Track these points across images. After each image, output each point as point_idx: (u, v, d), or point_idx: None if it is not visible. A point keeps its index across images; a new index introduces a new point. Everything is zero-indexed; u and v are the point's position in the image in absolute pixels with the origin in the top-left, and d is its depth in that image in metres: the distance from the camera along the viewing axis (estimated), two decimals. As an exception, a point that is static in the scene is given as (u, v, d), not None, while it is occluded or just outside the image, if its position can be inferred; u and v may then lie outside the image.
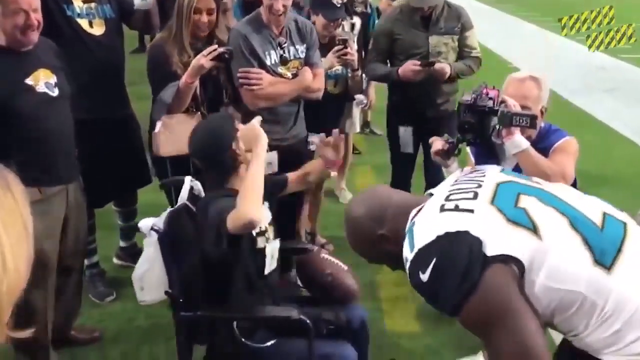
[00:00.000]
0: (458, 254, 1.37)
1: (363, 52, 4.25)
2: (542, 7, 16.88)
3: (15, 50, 2.44)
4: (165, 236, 2.18)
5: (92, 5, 3.10)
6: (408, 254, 1.48)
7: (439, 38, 3.53)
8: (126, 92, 3.40)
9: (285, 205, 3.41)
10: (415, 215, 1.56)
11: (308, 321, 2.10)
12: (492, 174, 1.62)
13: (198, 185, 2.45)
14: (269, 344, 2.19)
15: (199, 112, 2.97)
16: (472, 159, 2.58)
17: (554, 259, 1.39)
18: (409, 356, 3.03)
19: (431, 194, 1.67)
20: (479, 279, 1.35)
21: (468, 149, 2.59)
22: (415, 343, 3.09)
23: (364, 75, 3.95)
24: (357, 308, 2.48)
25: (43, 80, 2.50)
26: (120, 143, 3.23)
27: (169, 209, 2.31)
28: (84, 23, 3.08)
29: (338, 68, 3.61)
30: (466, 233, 1.38)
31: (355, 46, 3.90)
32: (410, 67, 3.41)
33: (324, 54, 3.47)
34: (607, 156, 5.84)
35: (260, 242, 2.23)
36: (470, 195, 1.50)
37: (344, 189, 4.81)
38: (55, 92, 2.55)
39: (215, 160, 2.23)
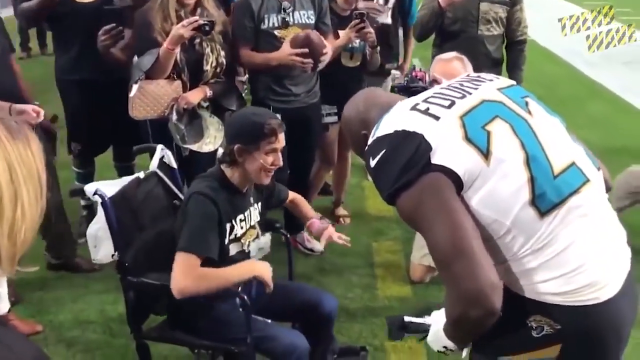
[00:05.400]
0: (404, 151, 1.44)
1: (400, 28, 4.20)
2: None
3: None
4: (114, 201, 2.26)
5: None
6: (370, 140, 1.56)
7: (490, 6, 3.58)
8: None
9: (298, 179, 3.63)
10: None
11: (245, 297, 2.14)
12: (487, 88, 1.59)
13: (169, 154, 2.58)
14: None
15: (180, 80, 3.06)
16: None
17: (492, 187, 1.43)
18: (399, 318, 3.15)
19: None
20: (416, 178, 1.42)
21: None
22: (405, 306, 3.22)
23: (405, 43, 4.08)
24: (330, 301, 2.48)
25: None
26: (115, 102, 3.36)
27: (133, 176, 2.45)
28: None
29: (355, 41, 3.60)
30: (420, 136, 1.44)
31: (389, 20, 3.94)
32: None
33: (343, 27, 3.49)
34: (613, 128, 5.84)
35: (233, 248, 2.24)
36: (447, 103, 1.52)
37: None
38: None
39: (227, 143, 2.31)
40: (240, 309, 2.16)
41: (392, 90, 2.46)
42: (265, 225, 2.55)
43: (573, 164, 1.51)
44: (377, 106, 1.68)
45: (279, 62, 3.25)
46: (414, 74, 2.52)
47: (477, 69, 3.41)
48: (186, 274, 2.08)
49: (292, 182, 3.65)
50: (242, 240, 2.28)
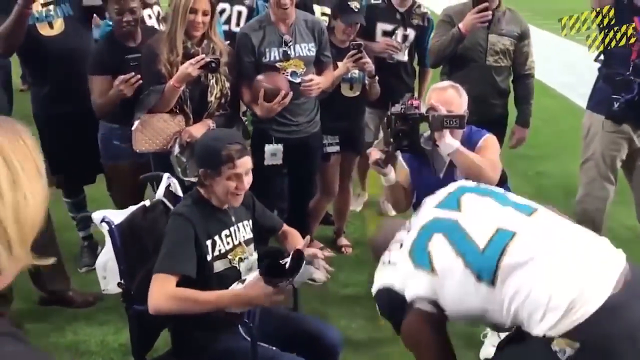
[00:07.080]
0: (386, 304, 2.05)
1: (417, 66, 4.28)
2: (543, 11, 16.47)
3: None
4: (120, 229, 2.24)
5: (51, 7, 3.32)
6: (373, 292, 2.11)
7: (498, 38, 3.63)
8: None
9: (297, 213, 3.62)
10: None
11: (247, 321, 2.13)
12: (424, 213, 2.04)
13: (175, 183, 2.58)
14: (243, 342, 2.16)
15: (182, 114, 3.06)
16: (405, 166, 2.84)
17: (447, 288, 1.85)
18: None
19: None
20: (401, 319, 1.97)
21: (400, 157, 2.83)
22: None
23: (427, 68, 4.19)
24: (333, 334, 2.40)
25: None
26: (95, 133, 3.41)
27: (139, 205, 2.42)
28: (43, 27, 3.33)
29: (354, 72, 3.64)
30: (390, 287, 1.98)
31: (405, 58, 4.02)
32: (469, 17, 3.46)
33: (342, 58, 3.52)
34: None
35: (219, 265, 2.22)
36: (399, 245, 2.02)
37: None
38: None
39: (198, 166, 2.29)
40: (246, 337, 2.13)
41: (390, 118, 2.51)
42: (268, 253, 2.53)
43: (497, 230, 1.82)
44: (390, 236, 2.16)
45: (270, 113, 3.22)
46: (409, 102, 2.55)
47: (483, 97, 3.54)
48: (158, 293, 2.07)
49: (292, 211, 3.69)
50: (230, 257, 2.25)
